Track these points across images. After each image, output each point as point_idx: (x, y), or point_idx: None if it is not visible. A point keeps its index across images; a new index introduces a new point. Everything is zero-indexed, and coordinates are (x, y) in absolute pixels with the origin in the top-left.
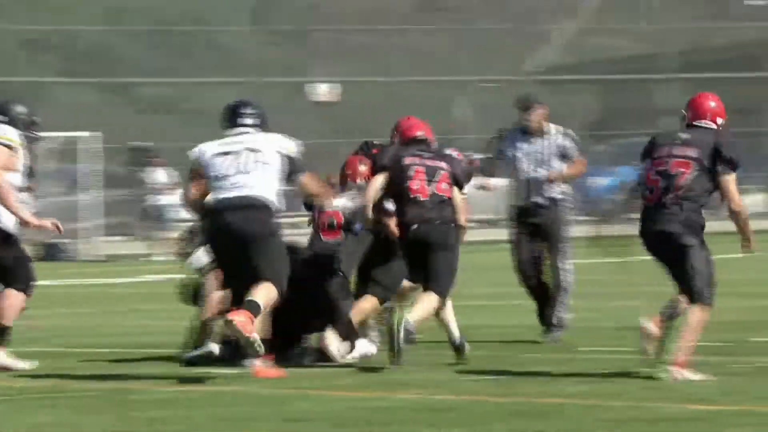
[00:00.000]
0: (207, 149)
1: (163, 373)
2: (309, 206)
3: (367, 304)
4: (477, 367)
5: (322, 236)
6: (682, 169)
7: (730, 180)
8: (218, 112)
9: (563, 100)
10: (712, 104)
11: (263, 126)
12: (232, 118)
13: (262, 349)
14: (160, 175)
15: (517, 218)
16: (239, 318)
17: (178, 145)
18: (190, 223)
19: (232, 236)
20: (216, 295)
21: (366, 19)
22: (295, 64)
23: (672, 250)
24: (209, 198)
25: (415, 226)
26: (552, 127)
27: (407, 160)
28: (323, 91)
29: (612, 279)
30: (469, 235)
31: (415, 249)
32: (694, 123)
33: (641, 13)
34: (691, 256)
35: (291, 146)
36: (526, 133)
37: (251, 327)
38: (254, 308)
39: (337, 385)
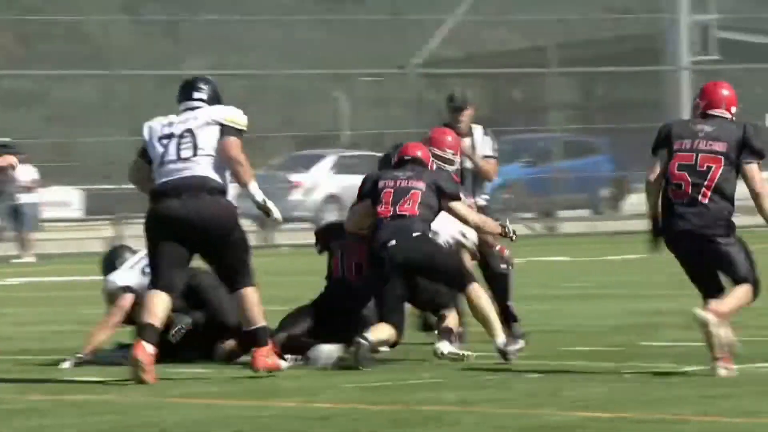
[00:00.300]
0: (154, 129)
1: (23, 380)
2: (324, 245)
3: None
4: (360, 373)
5: (349, 279)
6: (712, 165)
7: (755, 167)
8: (84, 106)
9: (445, 94)
10: (726, 92)
11: (213, 102)
12: (181, 92)
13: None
14: (22, 173)
15: None
16: (266, 363)
17: (40, 142)
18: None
19: (178, 222)
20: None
21: (241, 9)
22: (166, 56)
23: (708, 251)
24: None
25: (385, 247)
26: (479, 129)
27: (380, 184)
28: None
29: None
30: None
31: (394, 271)
32: (709, 112)
33: (527, 4)
34: (731, 254)
35: (230, 115)
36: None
37: (274, 361)
38: (263, 338)
39: (213, 393)
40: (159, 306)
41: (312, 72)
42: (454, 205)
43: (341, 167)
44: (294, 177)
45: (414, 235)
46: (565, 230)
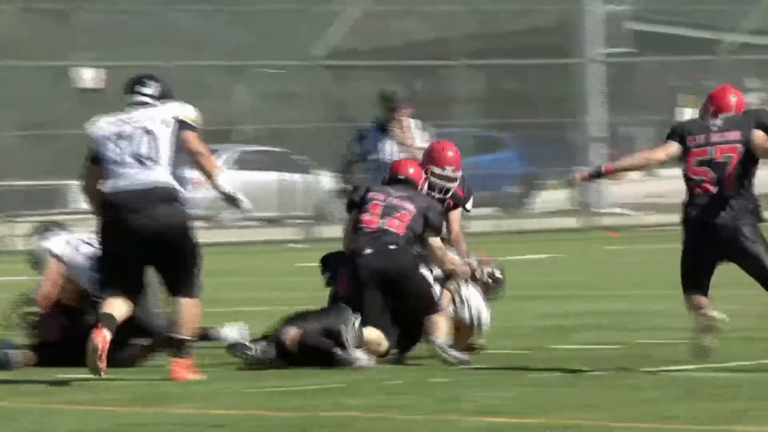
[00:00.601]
0: (102, 128)
1: None
2: (332, 273)
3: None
4: (262, 377)
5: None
6: (731, 155)
7: None
8: None
9: (352, 87)
10: (734, 98)
11: (163, 98)
12: (129, 89)
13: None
14: None
15: None
16: (182, 376)
17: None
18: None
19: (133, 233)
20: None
21: None
22: (56, 46)
23: (737, 242)
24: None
25: (362, 255)
26: (411, 122)
27: (370, 195)
28: (88, 76)
29: None
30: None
31: (370, 280)
32: (720, 114)
33: None
34: (761, 255)
35: (185, 112)
36: (386, 129)
37: (194, 377)
38: (185, 350)
39: (106, 400)
40: (118, 305)
41: (210, 64)
42: (433, 240)
43: (243, 163)
44: (194, 174)
45: (391, 247)
46: (470, 229)
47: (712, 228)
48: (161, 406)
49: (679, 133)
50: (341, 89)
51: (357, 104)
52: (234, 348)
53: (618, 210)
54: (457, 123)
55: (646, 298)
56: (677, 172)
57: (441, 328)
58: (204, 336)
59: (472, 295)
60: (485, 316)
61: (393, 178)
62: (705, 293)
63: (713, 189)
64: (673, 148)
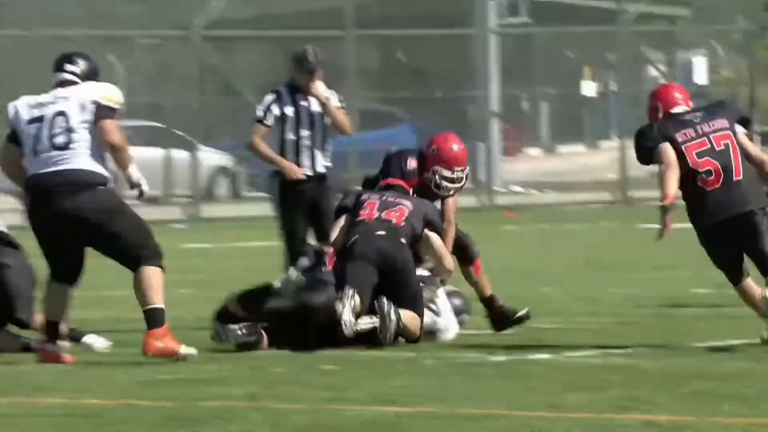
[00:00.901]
0: (21, 111)
1: None
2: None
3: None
4: (138, 365)
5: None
6: (727, 141)
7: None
8: None
9: (236, 58)
10: (679, 95)
11: (89, 78)
12: (56, 67)
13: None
14: None
15: (290, 193)
16: (157, 347)
17: None
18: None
19: (57, 219)
20: None
21: None
22: None
23: (750, 227)
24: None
25: (355, 238)
26: (321, 85)
27: (364, 196)
28: None
29: None
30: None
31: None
32: (674, 111)
33: None
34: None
35: (104, 93)
36: (298, 91)
37: (168, 346)
38: (157, 320)
39: None
40: (58, 299)
41: (81, 33)
42: (434, 237)
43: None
44: None
45: (381, 233)
46: None
47: (734, 220)
48: (33, 396)
49: (659, 135)
50: (225, 62)
51: (242, 77)
52: (218, 334)
53: (516, 189)
54: (350, 96)
55: (540, 280)
56: (577, 149)
57: (412, 326)
58: (71, 335)
59: (445, 306)
60: (452, 331)
61: (386, 185)
62: (747, 275)
63: (723, 177)
64: (670, 148)
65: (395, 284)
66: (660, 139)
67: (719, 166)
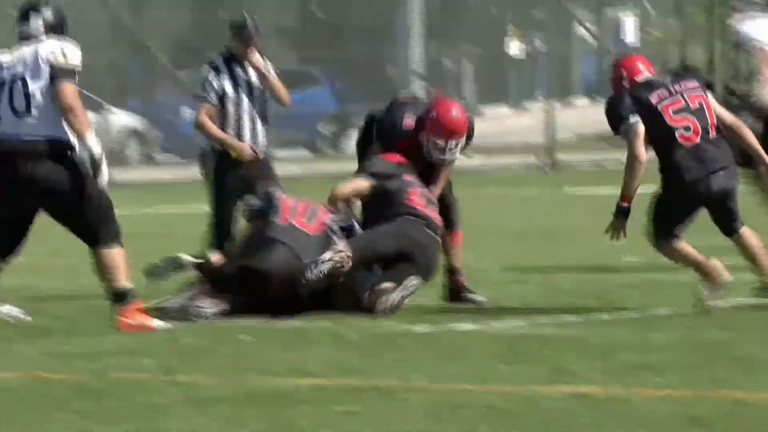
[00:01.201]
0: None
1: None
2: None
3: None
4: (48, 336)
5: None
6: (701, 100)
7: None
8: None
9: (146, 15)
10: (642, 65)
11: (52, 31)
12: (19, 18)
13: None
14: None
15: (229, 175)
16: (130, 325)
17: None
18: None
19: (21, 188)
20: None
21: None
22: None
23: (725, 188)
24: None
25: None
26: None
27: (407, 177)
28: None
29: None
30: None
31: None
32: (638, 78)
33: None
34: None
35: (59, 52)
36: (236, 62)
37: (139, 322)
38: (126, 299)
39: None
40: None
41: None
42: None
43: None
44: None
45: (429, 232)
46: (278, 171)
47: (715, 178)
48: None
49: (631, 103)
50: (135, 18)
51: (153, 35)
52: (185, 311)
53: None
54: (265, 56)
55: (464, 247)
56: (503, 110)
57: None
58: None
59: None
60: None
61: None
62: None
63: (701, 132)
64: (641, 128)
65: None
66: (631, 108)
67: (696, 123)
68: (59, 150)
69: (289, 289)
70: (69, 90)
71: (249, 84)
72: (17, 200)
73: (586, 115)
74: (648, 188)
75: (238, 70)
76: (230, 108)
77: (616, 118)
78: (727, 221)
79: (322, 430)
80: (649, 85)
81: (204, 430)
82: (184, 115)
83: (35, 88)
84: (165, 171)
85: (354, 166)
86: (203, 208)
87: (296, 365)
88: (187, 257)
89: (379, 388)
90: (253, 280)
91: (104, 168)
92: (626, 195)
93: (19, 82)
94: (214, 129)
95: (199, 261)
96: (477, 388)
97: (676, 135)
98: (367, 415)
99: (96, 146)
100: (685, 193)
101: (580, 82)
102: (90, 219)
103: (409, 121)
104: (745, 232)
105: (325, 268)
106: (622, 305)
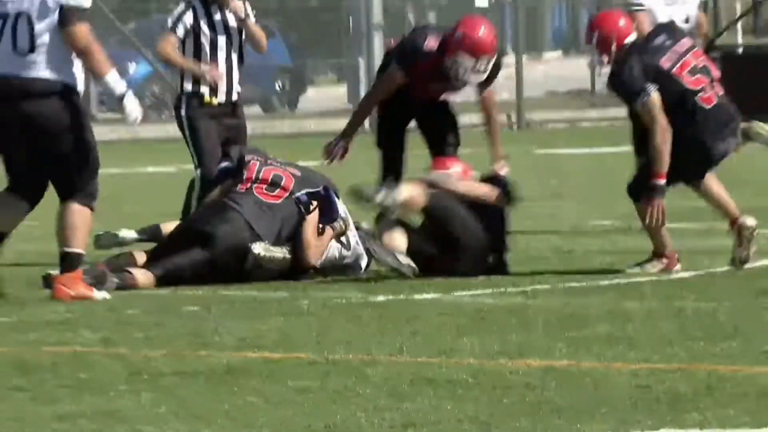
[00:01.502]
0: None
1: None
2: None
3: None
4: None
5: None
6: (702, 57)
7: None
8: None
9: None
10: (622, 22)
11: None
12: None
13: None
14: None
15: (204, 124)
16: (69, 294)
17: None
18: None
19: (17, 126)
20: None
21: None
22: None
23: (733, 147)
24: None
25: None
26: None
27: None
28: None
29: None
30: None
31: None
32: (628, 41)
33: None
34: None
35: None
36: (214, 4)
37: (78, 291)
38: (73, 264)
39: None
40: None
41: None
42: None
43: None
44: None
45: None
46: None
47: (726, 145)
48: None
49: (641, 73)
50: None
51: None
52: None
53: None
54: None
55: None
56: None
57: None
58: None
59: (354, 239)
60: (362, 265)
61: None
62: None
63: (714, 91)
64: (658, 99)
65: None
66: (644, 77)
67: (708, 81)
68: (60, 92)
69: (237, 260)
70: (82, 31)
71: (226, 26)
72: (14, 140)
73: (557, 69)
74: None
75: (216, 12)
76: (206, 49)
77: (632, 92)
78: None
79: (275, 408)
80: (652, 50)
81: (151, 408)
82: (129, 70)
83: (41, 27)
84: (105, 129)
85: (314, 125)
86: (146, 169)
87: (248, 338)
88: (126, 233)
89: (337, 362)
90: (197, 243)
91: (130, 105)
92: (661, 171)
93: (23, 21)
94: (178, 56)
95: (142, 237)
96: (440, 362)
97: (697, 99)
98: (324, 392)
99: (119, 84)
100: (705, 154)
101: (550, 34)
102: (74, 170)
103: (432, 42)
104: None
105: (267, 257)
106: (593, 272)
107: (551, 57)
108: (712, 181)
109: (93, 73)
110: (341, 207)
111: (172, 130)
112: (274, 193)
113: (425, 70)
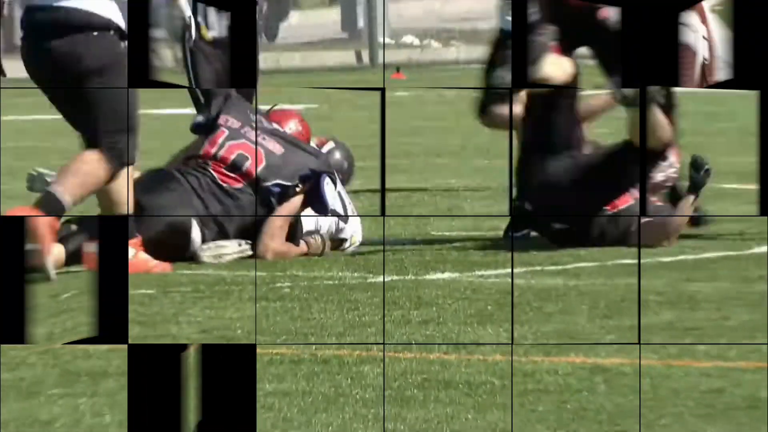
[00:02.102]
0: None
1: None
2: None
3: None
4: None
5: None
6: None
7: None
8: None
9: None
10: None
11: None
12: None
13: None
14: None
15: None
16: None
17: None
18: None
19: (54, 68)
20: None
21: None
22: None
23: None
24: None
25: None
26: None
27: None
28: None
29: None
30: None
31: None
32: None
33: None
34: None
35: None
36: None
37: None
38: (53, 205)
39: None
40: None
41: None
42: None
43: None
44: None
45: None
46: None
47: None
48: None
49: None
50: None
51: None
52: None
53: (409, 40)
54: None
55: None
56: None
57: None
58: None
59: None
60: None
61: None
62: None
63: None
64: None
65: None
66: None
67: None
68: (97, 26)
69: (180, 239)
70: None
71: None
72: (53, 77)
73: None
74: None
75: None
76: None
77: None
78: None
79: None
80: None
81: (92, 417)
82: None
83: None
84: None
85: (292, 58)
86: None
87: (212, 327)
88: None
89: (327, 359)
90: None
91: (193, 31)
92: None
93: None
94: None
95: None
96: (458, 359)
97: None
98: (310, 396)
99: (187, 8)
100: None
101: None
102: (96, 117)
103: None
104: None
105: (216, 253)
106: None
107: None
108: None
109: None
110: (333, 198)
111: None
112: (234, 175)
113: None
